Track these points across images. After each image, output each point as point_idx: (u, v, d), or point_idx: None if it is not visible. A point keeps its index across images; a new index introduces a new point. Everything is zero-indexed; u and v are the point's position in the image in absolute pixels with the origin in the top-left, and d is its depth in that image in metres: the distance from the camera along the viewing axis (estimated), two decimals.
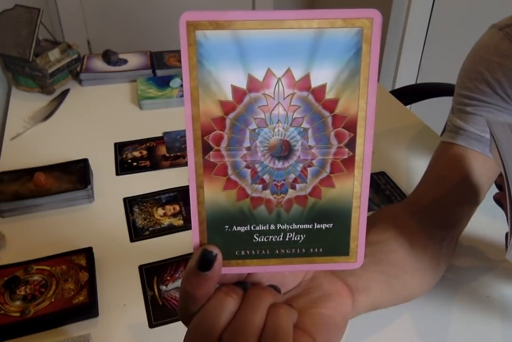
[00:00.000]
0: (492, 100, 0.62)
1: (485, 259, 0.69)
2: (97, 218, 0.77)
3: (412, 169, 0.89)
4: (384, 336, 0.59)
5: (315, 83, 0.28)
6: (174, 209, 0.79)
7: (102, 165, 0.89)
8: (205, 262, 0.30)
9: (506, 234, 0.45)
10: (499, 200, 0.52)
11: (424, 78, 2.06)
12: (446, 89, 1.20)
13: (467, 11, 1.84)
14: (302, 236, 0.32)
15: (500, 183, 0.50)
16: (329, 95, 0.29)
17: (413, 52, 2.03)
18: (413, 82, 2.09)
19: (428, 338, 0.59)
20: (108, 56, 1.22)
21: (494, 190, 0.54)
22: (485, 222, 0.71)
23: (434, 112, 1.34)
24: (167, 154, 0.93)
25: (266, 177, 0.30)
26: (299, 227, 0.32)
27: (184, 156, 0.92)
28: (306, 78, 0.28)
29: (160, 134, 0.98)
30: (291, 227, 0.32)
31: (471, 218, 0.61)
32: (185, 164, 0.89)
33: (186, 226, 0.76)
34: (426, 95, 1.33)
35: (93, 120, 1.04)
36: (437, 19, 1.94)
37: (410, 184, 0.85)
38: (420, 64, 2.07)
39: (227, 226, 0.31)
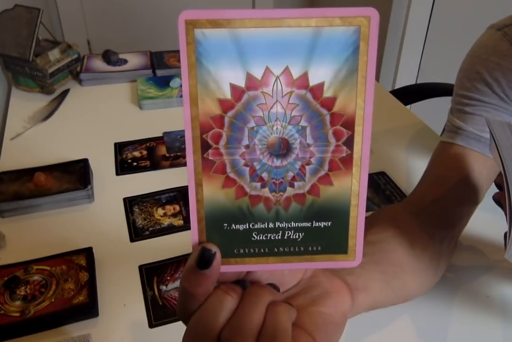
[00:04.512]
0: (490, 100, 0.62)
1: (485, 259, 0.69)
2: (97, 218, 0.77)
3: (412, 169, 0.89)
4: (384, 336, 0.59)
5: (313, 81, 0.29)
6: (174, 209, 0.79)
7: (102, 165, 0.89)
8: (204, 260, 0.30)
9: (505, 234, 0.45)
10: (498, 200, 0.52)
11: (424, 78, 2.07)
12: (446, 89, 1.20)
13: (467, 11, 1.84)
14: (300, 234, 0.32)
15: (499, 183, 0.49)
16: (327, 93, 0.29)
17: (413, 52, 2.03)
18: (413, 82, 2.09)
19: (428, 338, 0.59)
20: (108, 56, 1.22)
21: (494, 189, 0.54)
22: (485, 221, 0.71)
23: (434, 112, 1.34)
24: (167, 154, 0.93)
25: (264, 175, 0.30)
26: (297, 225, 0.32)
27: (184, 156, 0.92)
28: (304, 76, 0.28)
29: (160, 134, 0.98)
30: (289, 225, 0.32)
31: (470, 218, 0.61)
32: (185, 164, 0.89)
33: (186, 226, 0.76)
34: (426, 95, 1.33)
35: (93, 120, 1.04)
36: (437, 19, 1.94)
37: (410, 184, 0.85)
38: (420, 64, 2.07)
39: (226, 224, 0.31)
